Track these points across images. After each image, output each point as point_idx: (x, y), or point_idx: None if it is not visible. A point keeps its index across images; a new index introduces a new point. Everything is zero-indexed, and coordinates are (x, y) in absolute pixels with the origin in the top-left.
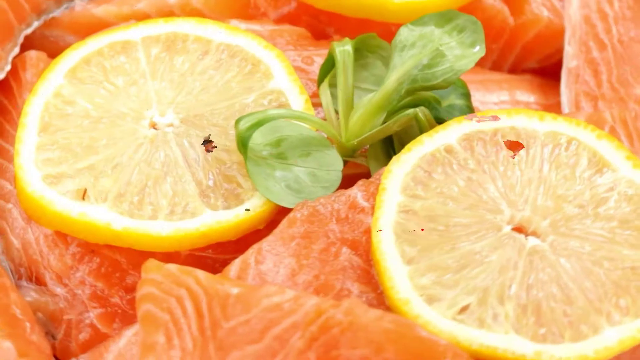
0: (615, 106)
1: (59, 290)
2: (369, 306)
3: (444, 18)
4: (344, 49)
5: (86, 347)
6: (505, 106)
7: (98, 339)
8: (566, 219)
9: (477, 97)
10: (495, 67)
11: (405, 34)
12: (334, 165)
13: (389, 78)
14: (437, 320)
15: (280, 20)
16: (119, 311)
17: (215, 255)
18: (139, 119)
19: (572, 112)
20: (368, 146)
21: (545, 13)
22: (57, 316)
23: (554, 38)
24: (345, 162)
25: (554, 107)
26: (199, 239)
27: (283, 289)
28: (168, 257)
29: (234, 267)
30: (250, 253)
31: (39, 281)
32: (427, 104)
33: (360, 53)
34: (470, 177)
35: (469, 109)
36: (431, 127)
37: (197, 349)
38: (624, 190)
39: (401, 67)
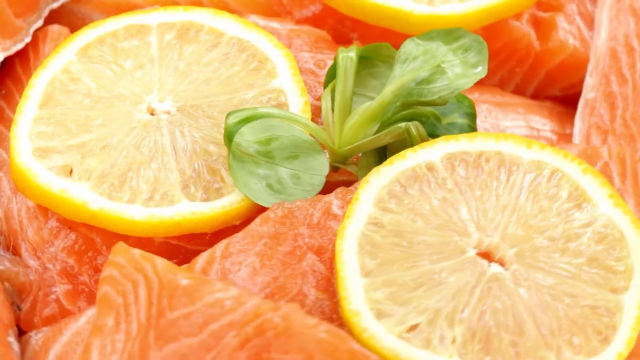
0: (623, 143)
1: (32, 262)
2: (321, 314)
3: (451, 35)
4: (347, 55)
5: (49, 321)
6: (518, 131)
7: (62, 315)
8: (534, 250)
9: (490, 119)
10: (518, 90)
11: (410, 46)
12: (320, 170)
13: (386, 89)
14: (383, 336)
15: (305, 21)
16: (86, 290)
17: (189, 245)
18: (137, 103)
19: (566, 144)
20: (361, 154)
21: (572, 41)
22: (26, 288)
23: (578, 67)
24: (336, 169)
25: (569, 138)
26: (173, 228)
27: (228, 286)
28: (141, 242)
29: (201, 259)
30: (218, 247)
31: (15, 251)
32: (426, 119)
33: (370, 61)
34: (445, 197)
35: (471, 129)
36: (423, 142)
37: (139, 336)
38: (599, 229)
39: (399, 79)
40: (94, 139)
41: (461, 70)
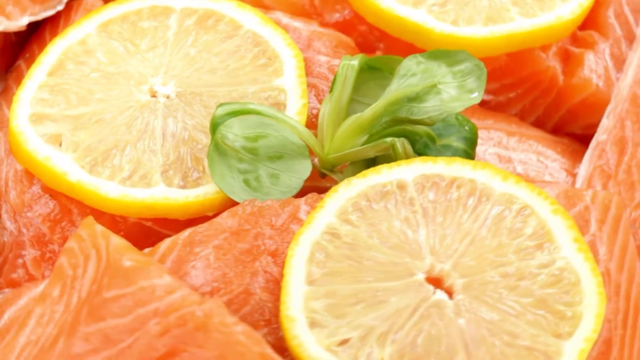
0: (622, 190)
1: (9, 224)
2: (261, 315)
3: (454, 57)
4: (348, 63)
5: (13, 284)
6: (524, 166)
7: (26, 279)
8: (483, 283)
9: (499, 148)
10: (539, 123)
11: (411, 62)
12: (301, 173)
13: (378, 102)
14: (311, 346)
15: (334, 25)
16: (53, 258)
17: (161, 229)
18: (141, 83)
19: (554, 182)
20: (348, 164)
21: (595, 80)
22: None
23: (600, 107)
24: (324, 175)
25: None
26: (145, 210)
27: (163, 273)
28: (115, 220)
29: (164, 244)
30: (182, 235)
31: None
32: (419, 137)
33: (380, 72)
34: (407, 218)
35: (467, 155)
36: (409, 157)
37: (75, 310)
38: (556, 271)
39: (393, 93)
40: (90, 112)
41: (456, 93)
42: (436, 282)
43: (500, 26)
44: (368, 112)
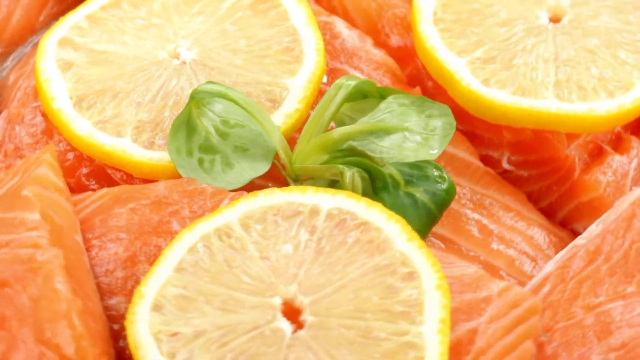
0: (563, 299)
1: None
2: (129, 285)
3: (435, 110)
4: (342, 82)
5: None
6: (504, 246)
7: None
8: (329, 329)
9: (485, 218)
10: (550, 209)
11: (395, 101)
12: (253, 172)
13: (344, 127)
14: (141, 326)
15: (395, 49)
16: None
17: (118, 179)
18: (170, 41)
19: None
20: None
21: (605, 184)
22: None
23: (602, 213)
24: (289, 183)
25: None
26: (103, 156)
27: (35, 209)
28: (81, 157)
29: (98, 193)
30: (115, 189)
31: None
32: (381, 176)
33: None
34: (299, 244)
35: (428, 212)
36: (355, 191)
37: None
38: (404, 344)
39: (361, 124)
40: (110, 52)
41: (418, 145)
42: (293, 312)
43: (527, 100)
44: (333, 134)
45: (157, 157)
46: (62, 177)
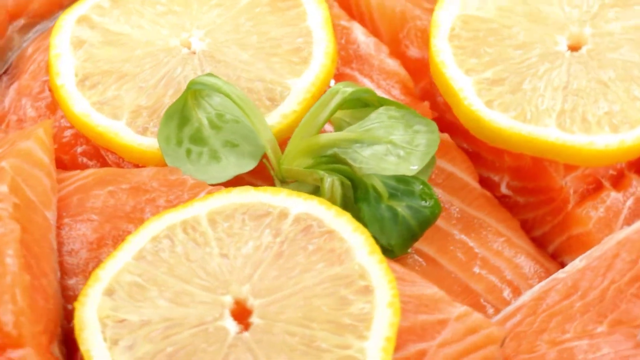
0: (530, 331)
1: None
2: (91, 266)
3: (423, 125)
4: (338, 88)
5: None
6: (486, 271)
7: None
8: (274, 334)
9: (472, 240)
10: (543, 240)
11: (385, 112)
12: (238, 169)
13: (330, 133)
14: (89, 308)
15: (413, 61)
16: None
17: (114, 162)
18: (184, 30)
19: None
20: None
21: (594, 220)
22: None
23: (590, 247)
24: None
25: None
26: (97, 137)
27: (4, 183)
28: (77, 135)
29: (86, 172)
30: (102, 170)
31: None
32: (363, 186)
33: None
34: (261, 245)
35: (408, 229)
36: (332, 202)
37: None
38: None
39: (348, 132)
40: (124, 35)
41: (399, 159)
42: (243, 312)
43: (527, 126)
44: (319, 139)
45: (148, 143)
46: (50, 152)
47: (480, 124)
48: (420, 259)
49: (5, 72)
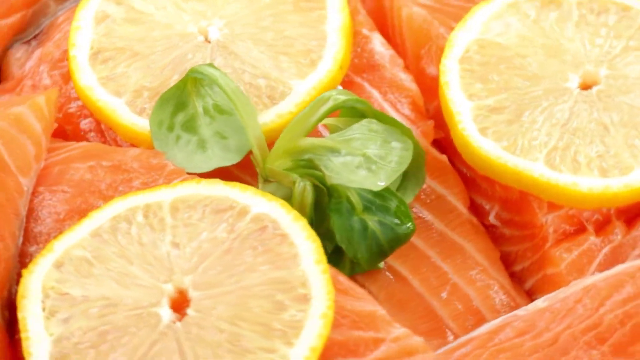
0: None
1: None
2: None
3: (400, 144)
4: (330, 95)
5: None
6: (452, 296)
7: None
8: (203, 328)
9: (446, 264)
10: (521, 275)
11: (367, 125)
12: (220, 161)
13: (311, 138)
14: (36, 276)
15: (430, 79)
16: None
17: (112, 138)
18: (205, 18)
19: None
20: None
21: (567, 262)
22: None
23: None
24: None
25: None
26: (96, 112)
27: None
28: (82, 107)
29: (76, 145)
30: (88, 145)
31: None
32: (337, 195)
33: None
34: (213, 238)
35: (377, 244)
36: (302, 207)
37: None
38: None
39: (327, 139)
40: (145, 14)
41: (367, 173)
42: (183, 302)
43: (513, 158)
44: (300, 142)
45: (142, 124)
46: (45, 121)
47: (469, 150)
48: (390, 276)
49: (34, 37)
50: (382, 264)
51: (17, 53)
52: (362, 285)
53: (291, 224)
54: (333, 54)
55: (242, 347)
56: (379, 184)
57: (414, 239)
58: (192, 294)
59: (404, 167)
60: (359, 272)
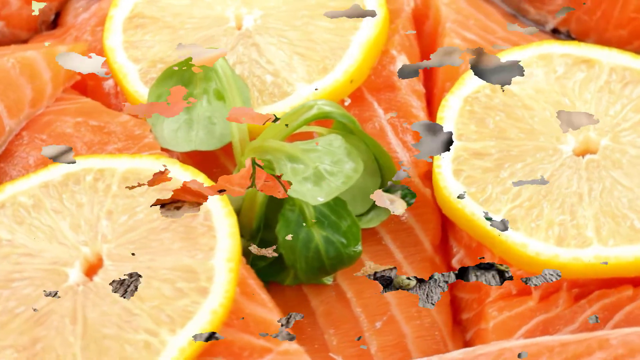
0: None
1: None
2: None
3: (352, 166)
4: (317, 104)
5: None
6: (389, 336)
7: None
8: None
9: (396, 302)
10: (466, 324)
11: (334, 138)
12: (200, 146)
13: (279, 143)
14: None
15: None
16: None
17: (122, 100)
18: (246, 5)
19: None
20: None
21: (495, 321)
22: None
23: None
24: None
25: None
26: (112, 73)
27: None
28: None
29: (81, 99)
30: (88, 101)
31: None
32: (291, 203)
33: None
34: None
35: (318, 259)
36: (251, 207)
37: None
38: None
39: (291, 145)
40: (185, 4)
41: (311, 186)
42: (97, 267)
43: (472, 204)
44: (267, 143)
45: (143, 93)
46: (56, 71)
47: (437, 188)
48: (333, 293)
49: None
50: (330, 280)
51: (78, 3)
52: (305, 296)
53: (222, 218)
54: (346, 66)
55: (127, 322)
56: (318, 199)
57: (368, 263)
58: (105, 262)
59: (343, 189)
60: (303, 284)
